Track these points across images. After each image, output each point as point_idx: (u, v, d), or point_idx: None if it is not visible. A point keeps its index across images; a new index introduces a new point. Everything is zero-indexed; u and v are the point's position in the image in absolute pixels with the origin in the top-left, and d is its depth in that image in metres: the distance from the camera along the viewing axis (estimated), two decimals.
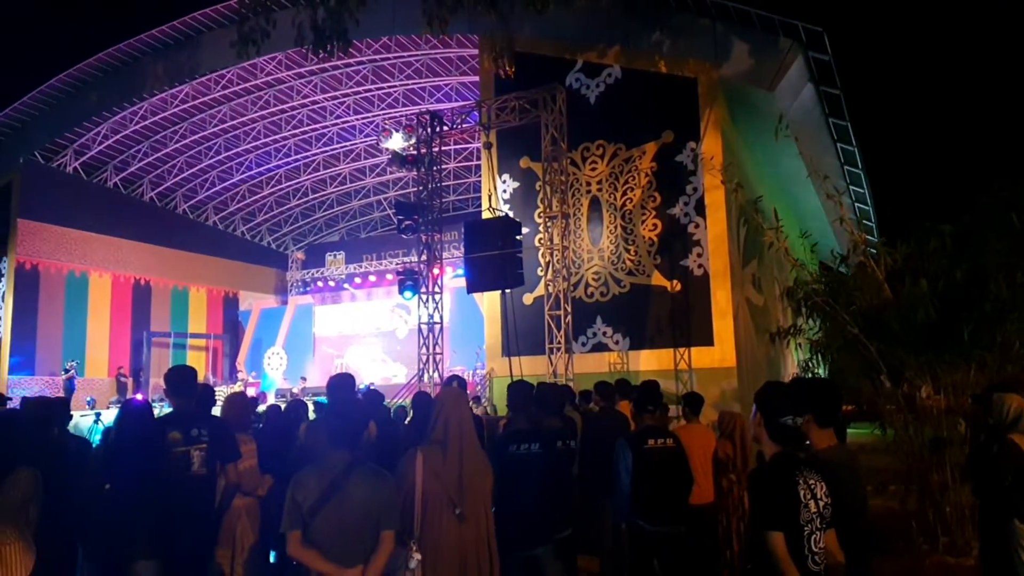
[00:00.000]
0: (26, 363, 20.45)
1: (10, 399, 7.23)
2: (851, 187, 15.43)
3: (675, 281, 12.47)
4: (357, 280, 26.99)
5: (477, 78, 16.11)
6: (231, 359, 26.21)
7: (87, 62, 19.21)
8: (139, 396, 17.87)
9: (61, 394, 17.01)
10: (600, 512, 6.03)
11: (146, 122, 21.37)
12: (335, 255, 28.62)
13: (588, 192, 13.42)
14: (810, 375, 8.20)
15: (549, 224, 12.86)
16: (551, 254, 12.77)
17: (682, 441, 4.94)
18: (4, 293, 20.55)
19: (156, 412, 4.71)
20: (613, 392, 7.05)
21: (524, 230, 12.70)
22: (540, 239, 13.41)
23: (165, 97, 20.35)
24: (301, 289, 28.81)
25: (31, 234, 20.81)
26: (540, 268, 13.41)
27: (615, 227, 13.10)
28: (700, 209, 12.43)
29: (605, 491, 5.64)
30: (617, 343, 12.91)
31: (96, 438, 8.95)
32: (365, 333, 25.12)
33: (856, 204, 16.27)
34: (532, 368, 12.05)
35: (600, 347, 13.04)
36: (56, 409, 4.89)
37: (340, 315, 26.17)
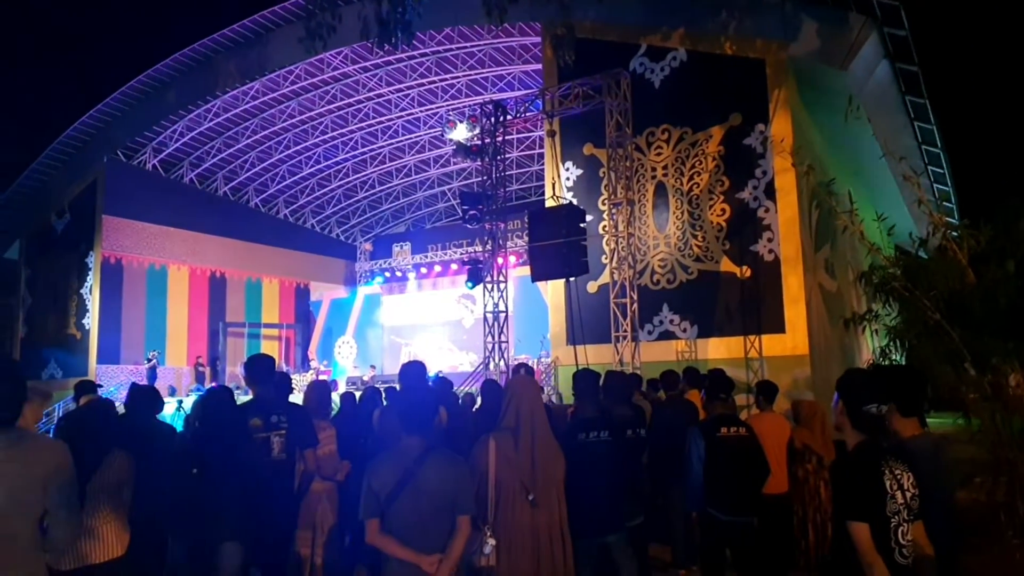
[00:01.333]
0: (112, 352, 21.44)
1: (100, 386, 7.60)
2: (930, 167, 14.81)
3: (745, 267, 12.22)
4: (423, 270, 27.34)
5: (540, 66, 16.06)
6: (303, 348, 26.89)
7: (164, 63, 19.92)
8: (213, 384, 18.56)
9: (145, 382, 17.80)
10: (671, 501, 6.00)
11: (219, 119, 22.05)
12: (401, 246, 29.02)
13: (653, 177, 13.24)
14: (887, 362, 7.93)
15: (614, 211, 12.75)
16: (616, 241, 12.66)
17: (755, 430, 4.86)
18: (92, 286, 21.57)
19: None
20: (679, 381, 6.99)
21: (588, 217, 12.63)
22: (604, 226, 13.31)
23: (237, 94, 20.94)
24: (369, 279, 29.35)
25: (114, 229, 21.74)
26: (604, 256, 13.32)
27: (682, 213, 12.90)
28: (770, 193, 12.13)
29: (675, 480, 5.60)
30: (685, 331, 12.74)
31: (179, 424, 9.34)
32: (431, 322, 25.44)
33: (935, 185, 15.61)
34: (598, 356, 12.00)
35: (667, 335, 12.89)
36: (156, 397, 5.10)
37: (407, 305, 26.57)
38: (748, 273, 12.18)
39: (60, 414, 18.53)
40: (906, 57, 11.79)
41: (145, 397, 4.86)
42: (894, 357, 7.94)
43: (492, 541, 3.31)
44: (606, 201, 13.03)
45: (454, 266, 25.82)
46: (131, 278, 22.26)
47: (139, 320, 22.37)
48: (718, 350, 12.28)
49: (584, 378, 4.56)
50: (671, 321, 12.88)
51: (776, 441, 5.35)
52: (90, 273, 21.71)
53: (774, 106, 12.11)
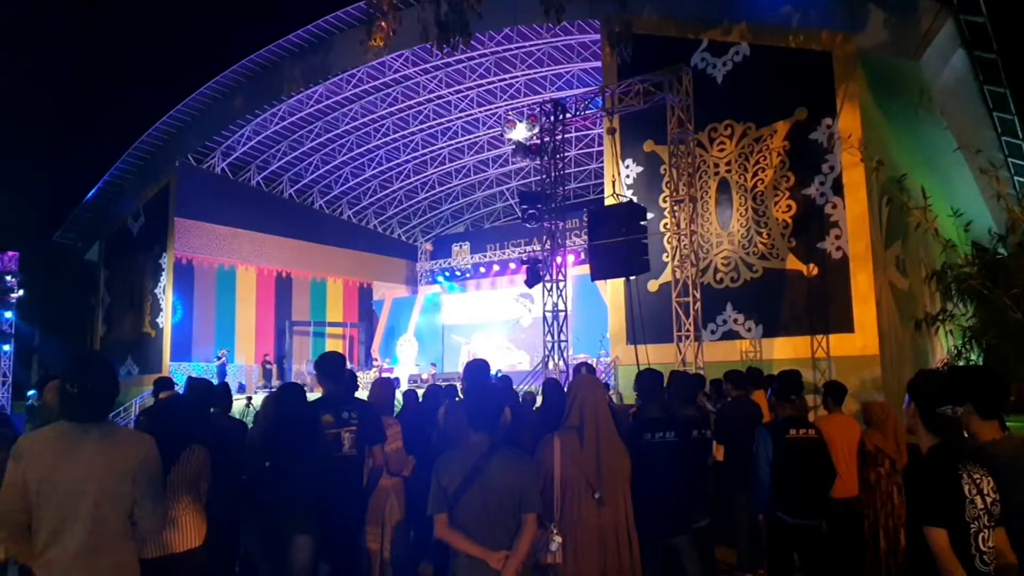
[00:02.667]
0: (184, 350, 22.23)
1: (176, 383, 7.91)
2: (1010, 159, 14.19)
3: (812, 265, 11.93)
4: (482, 270, 27.56)
5: (599, 63, 15.98)
6: (366, 346, 27.35)
7: (232, 69, 20.53)
8: (279, 382, 19.04)
9: (214, 380, 18.39)
10: (736, 503, 5.92)
11: (285, 123, 22.65)
12: (461, 246, 29.29)
13: (716, 174, 13.04)
14: (963, 363, 7.66)
15: (676, 208, 12.61)
16: (678, 239, 12.51)
17: (824, 432, 4.76)
18: (165, 286, 22.39)
19: None
20: (746, 381, 6.87)
21: (649, 215, 12.51)
22: (665, 224, 13.18)
23: (301, 98, 21.45)
24: (430, 279, 29.71)
25: (186, 231, 22.53)
26: (665, 254, 13.18)
27: (746, 210, 12.67)
28: (838, 188, 11.82)
29: (741, 482, 5.52)
30: (749, 330, 12.51)
31: (249, 420, 9.62)
32: (490, 321, 25.57)
33: (1016, 178, 14.96)
34: (659, 356, 11.88)
35: (731, 335, 12.68)
36: (217, 393, 5.26)
37: (466, 304, 26.81)
38: (815, 271, 11.89)
39: (137, 410, 19.33)
40: (984, 45, 11.31)
41: (214, 393, 5.03)
42: (971, 357, 7.67)
43: (558, 539, 3.32)
44: (667, 198, 12.89)
45: (512, 265, 25.92)
46: (201, 278, 23.02)
47: (209, 319, 23.12)
48: (784, 350, 12.02)
49: (648, 378, 4.53)
50: (735, 320, 12.67)
51: (846, 443, 5.22)
52: (163, 273, 22.51)
53: (841, 100, 11.79)
